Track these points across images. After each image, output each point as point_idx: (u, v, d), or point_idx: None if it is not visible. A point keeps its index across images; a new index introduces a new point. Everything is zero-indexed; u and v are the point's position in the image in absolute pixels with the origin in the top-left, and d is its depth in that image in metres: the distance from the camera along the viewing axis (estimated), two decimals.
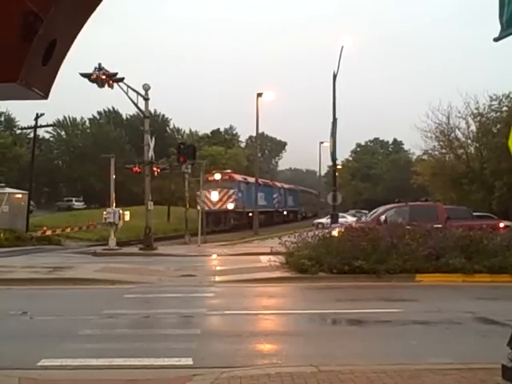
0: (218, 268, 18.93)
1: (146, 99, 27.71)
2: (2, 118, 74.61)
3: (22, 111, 64.60)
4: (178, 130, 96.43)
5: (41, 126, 42.45)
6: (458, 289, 14.51)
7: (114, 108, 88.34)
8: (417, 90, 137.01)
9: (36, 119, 38.70)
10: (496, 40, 5.14)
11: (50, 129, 74.01)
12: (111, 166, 29.07)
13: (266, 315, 11.38)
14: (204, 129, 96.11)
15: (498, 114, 41.12)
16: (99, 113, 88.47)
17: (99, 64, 23.47)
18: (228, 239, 33.61)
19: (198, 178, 34.35)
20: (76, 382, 7.04)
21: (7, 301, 13.14)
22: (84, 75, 23.35)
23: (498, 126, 40.96)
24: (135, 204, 44.14)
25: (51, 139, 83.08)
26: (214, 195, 44.55)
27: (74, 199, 69.08)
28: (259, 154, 58.23)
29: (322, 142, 63.72)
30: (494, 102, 40.92)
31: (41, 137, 67.17)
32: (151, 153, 28.58)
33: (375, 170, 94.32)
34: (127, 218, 28.75)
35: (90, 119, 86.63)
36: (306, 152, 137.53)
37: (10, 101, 2.13)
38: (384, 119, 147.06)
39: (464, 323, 10.10)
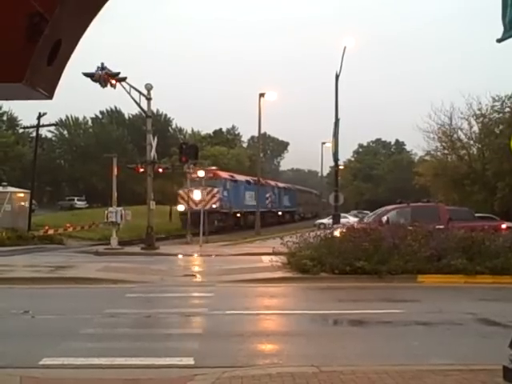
0: (220, 268, 18.93)
1: (149, 99, 27.73)
2: (5, 117, 74.64)
3: (25, 110, 64.69)
4: (181, 130, 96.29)
5: (43, 126, 42.55)
6: (459, 290, 14.50)
7: (116, 107, 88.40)
8: (419, 91, 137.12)
9: (38, 118, 38.73)
10: (499, 41, 5.14)
11: (52, 128, 74.07)
12: (113, 166, 29.09)
13: (267, 315, 11.39)
14: (206, 129, 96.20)
15: (501, 114, 41.12)
16: (101, 112, 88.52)
17: (102, 63, 23.48)
18: (229, 239, 33.59)
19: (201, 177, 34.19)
20: (77, 381, 7.05)
21: (9, 300, 13.15)
22: (87, 75, 23.36)
23: (501, 126, 40.97)
24: (137, 203, 44.18)
25: (53, 138, 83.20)
26: (197, 194, 40.98)
27: (76, 198, 69.18)
28: (261, 155, 58.09)
29: (324, 143, 63.40)
30: (496, 103, 40.98)
31: (43, 136, 67.31)
32: (153, 152, 28.60)
33: (377, 171, 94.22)
34: (129, 217, 28.77)
35: (92, 119, 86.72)
36: (308, 152, 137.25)
37: (15, 100, 2.14)
38: (386, 120, 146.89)
39: (465, 324, 10.09)
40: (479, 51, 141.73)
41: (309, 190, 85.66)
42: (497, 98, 40.72)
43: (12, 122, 74.73)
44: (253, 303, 12.91)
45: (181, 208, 38.81)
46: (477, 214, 25.89)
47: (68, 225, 35.54)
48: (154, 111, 57.95)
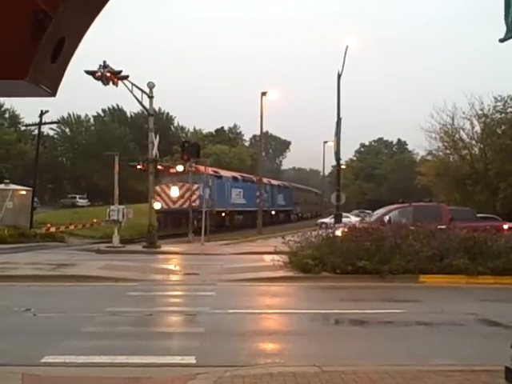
0: (222, 266, 18.93)
1: (151, 97, 27.74)
2: (7, 115, 74.76)
3: (27, 108, 64.96)
4: (182, 128, 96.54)
5: (45, 123, 42.63)
6: (461, 290, 14.49)
7: (118, 106, 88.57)
8: (421, 90, 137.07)
9: (40, 116, 38.81)
10: (501, 41, 5.13)
11: (54, 126, 73.94)
12: (115, 164, 29.11)
13: (269, 314, 11.39)
14: (208, 127, 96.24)
15: (503, 115, 41.09)
16: (103, 110, 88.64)
17: (104, 62, 23.47)
18: (231, 238, 33.61)
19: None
20: (79, 379, 7.05)
21: (11, 297, 13.17)
22: (89, 73, 23.36)
23: (503, 127, 40.96)
24: (139, 202, 44.27)
25: (55, 136, 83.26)
26: (174, 191, 37.76)
27: (77, 196, 69.30)
28: (263, 153, 57.73)
29: (326, 142, 63.40)
30: (498, 103, 40.94)
31: (45, 134, 67.31)
32: (155, 151, 28.60)
33: (379, 170, 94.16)
34: (131, 215, 28.78)
35: (94, 117, 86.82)
36: (310, 151, 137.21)
37: (18, 97, 2.14)
38: (388, 119, 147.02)
39: (467, 325, 10.08)
40: (482, 51, 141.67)
41: (308, 189, 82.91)
42: (499, 98, 40.74)
43: (14, 119, 74.86)
44: (254, 302, 12.91)
45: (157, 206, 34.86)
46: (479, 215, 25.85)
47: (70, 223, 35.58)
48: (156, 109, 58.03)
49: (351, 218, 38.20)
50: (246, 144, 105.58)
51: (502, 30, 5.12)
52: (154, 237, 27.47)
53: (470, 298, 13.27)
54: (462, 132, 43.24)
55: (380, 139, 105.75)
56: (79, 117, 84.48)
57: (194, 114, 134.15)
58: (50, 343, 8.52)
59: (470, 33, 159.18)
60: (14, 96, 2.11)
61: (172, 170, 35.89)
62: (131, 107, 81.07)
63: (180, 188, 36.68)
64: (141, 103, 27.40)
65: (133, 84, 25.85)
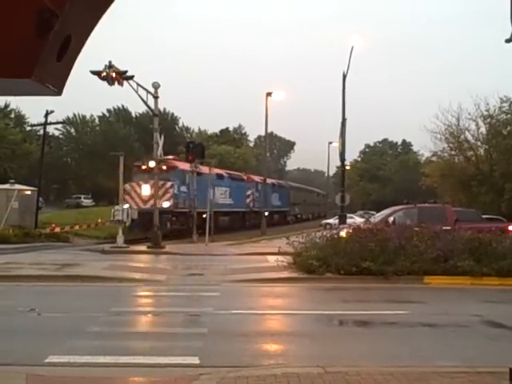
0: (226, 267, 18.93)
1: (156, 97, 27.76)
2: (13, 115, 74.93)
3: (32, 108, 65.01)
4: (187, 129, 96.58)
5: (50, 123, 42.66)
6: (465, 291, 14.46)
7: (123, 106, 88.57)
8: (426, 90, 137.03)
9: (46, 116, 38.87)
10: (508, 41, 5.10)
11: (59, 126, 74.02)
12: (120, 164, 29.13)
13: (272, 315, 11.39)
14: (213, 128, 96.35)
15: (509, 115, 40.95)
16: (109, 110, 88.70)
17: (109, 62, 23.50)
18: (235, 239, 33.60)
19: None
20: (83, 379, 7.06)
21: (15, 297, 13.20)
22: (94, 73, 23.40)
23: (508, 128, 40.84)
24: None
25: (61, 136, 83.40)
26: (146, 189, 33.71)
27: (82, 196, 69.44)
28: (268, 154, 57.58)
29: (330, 143, 63.07)
30: (504, 104, 40.79)
31: (50, 134, 67.26)
32: (160, 151, 28.61)
33: (384, 171, 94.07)
34: (135, 215, 28.78)
35: (99, 117, 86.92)
36: (315, 152, 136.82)
37: (24, 97, 2.14)
38: (393, 120, 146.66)
39: (471, 326, 10.06)
40: (488, 51, 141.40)
41: (308, 189, 78.38)
42: (505, 99, 40.59)
43: (20, 119, 75.03)
44: (258, 303, 12.91)
45: (126, 207, 32.07)
46: (484, 216, 25.79)
47: (74, 223, 35.64)
48: (161, 110, 57.98)
49: (356, 219, 38.17)
50: (251, 144, 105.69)
51: (504, 30, 5.09)
52: (159, 237, 27.47)
53: (475, 299, 13.23)
54: (467, 133, 43.12)
55: (385, 140, 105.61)
56: (84, 117, 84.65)
57: (199, 115, 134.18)
58: (54, 343, 8.53)
59: (476, 32, 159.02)
60: (20, 95, 2.11)
61: (144, 167, 32.81)
62: (136, 107, 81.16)
63: (152, 186, 32.16)
64: (146, 103, 27.42)
65: (138, 84, 25.88)
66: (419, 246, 16.30)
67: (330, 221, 44.92)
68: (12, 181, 35.35)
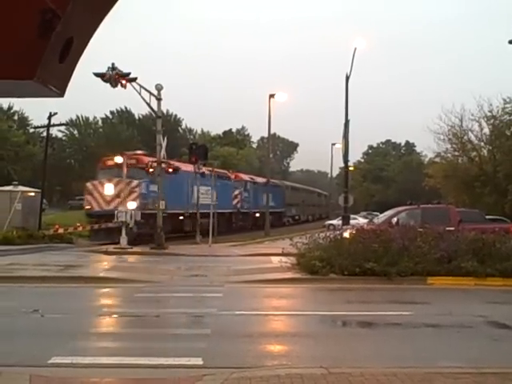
0: (229, 268, 18.93)
1: (159, 99, 27.79)
2: (16, 117, 75.15)
3: (36, 110, 65.28)
4: (190, 130, 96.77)
5: (54, 125, 42.72)
6: (469, 292, 14.43)
7: (126, 108, 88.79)
8: (429, 91, 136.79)
9: (49, 118, 38.89)
10: (511, 42, 5.09)
11: (62, 128, 74.53)
12: (123, 166, 29.09)
13: (276, 316, 11.38)
14: (216, 129, 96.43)
15: None
16: (112, 112, 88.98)
17: (112, 64, 23.53)
18: (238, 240, 33.61)
19: None
20: (86, 380, 7.06)
21: (19, 298, 13.23)
22: (97, 75, 23.43)
23: None
24: None
25: (64, 138, 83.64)
26: (109, 189, 29.31)
27: None
28: (271, 155, 57.49)
29: (333, 144, 63.06)
30: (507, 105, 40.67)
31: (54, 136, 67.60)
32: (163, 153, 28.59)
33: (387, 172, 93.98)
34: (138, 217, 28.75)
35: (102, 119, 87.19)
36: (318, 153, 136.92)
37: (26, 98, 2.15)
38: (396, 121, 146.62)
39: (475, 327, 10.03)
40: (488, 52, 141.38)
41: (308, 189, 75.92)
42: (508, 100, 40.48)
43: (23, 121, 75.26)
44: (261, 304, 12.90)
45: (87, 207, 30.26)
46: (487, 217, 25.72)
47: (78, 224, 35.66)
48: (164, 111, 58.21)
49: (359, 220, 38.16)
50: (254, 146, 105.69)
51: (508, 32, 5.08)
52: (162, 238, 27.47)
53: (479, 300, 13.21)
54: (470, 134, 43.07)
55: (388, 141, 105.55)
56: (87, 119, 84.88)
57: (202, 116, 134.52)
58: (57, 344, 8.54)
59: (478, 33, 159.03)
60: (22, 96, 2.12)
61: (110, 163, 29.31)
62: (139, 109, 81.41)
63: (116, 185, 28.74)
64: (149, 105, 27.45)
65: (141, 86, 25.90)
66: (423, 246, 16.28)
67: (334, 222, 44.90)
68: (15, 182, 35.42)
